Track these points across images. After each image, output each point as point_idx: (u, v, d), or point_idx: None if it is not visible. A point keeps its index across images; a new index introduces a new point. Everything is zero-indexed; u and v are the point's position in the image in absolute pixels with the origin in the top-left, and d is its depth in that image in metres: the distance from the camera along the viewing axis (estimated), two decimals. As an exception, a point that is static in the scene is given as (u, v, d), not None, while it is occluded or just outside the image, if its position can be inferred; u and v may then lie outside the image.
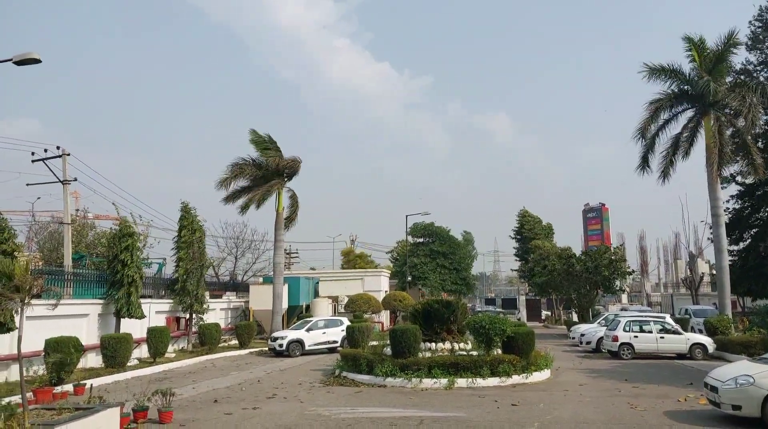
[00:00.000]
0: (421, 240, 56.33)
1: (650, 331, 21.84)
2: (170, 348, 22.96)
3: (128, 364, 19.05)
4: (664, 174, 28.76)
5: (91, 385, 13.87)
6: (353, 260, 54.73)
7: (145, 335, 21.23)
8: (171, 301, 25.59)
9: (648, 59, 28.24)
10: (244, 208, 31.09)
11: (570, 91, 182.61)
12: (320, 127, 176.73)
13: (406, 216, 48.74)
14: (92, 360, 19.44)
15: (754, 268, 30.77)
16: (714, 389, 10.59)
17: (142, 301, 23.30)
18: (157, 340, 20.75)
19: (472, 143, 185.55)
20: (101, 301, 20.74)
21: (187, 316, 25.98)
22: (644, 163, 29.01)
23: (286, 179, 31.33)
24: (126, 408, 10.78)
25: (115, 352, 18.17)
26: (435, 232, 55.70)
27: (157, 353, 20.83)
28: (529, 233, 59.69)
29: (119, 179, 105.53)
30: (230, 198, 30.56)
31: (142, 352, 21.85)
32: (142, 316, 21.42)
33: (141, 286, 21.67)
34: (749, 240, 32.70)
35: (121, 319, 20.71)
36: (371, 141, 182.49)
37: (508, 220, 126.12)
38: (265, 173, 30.46)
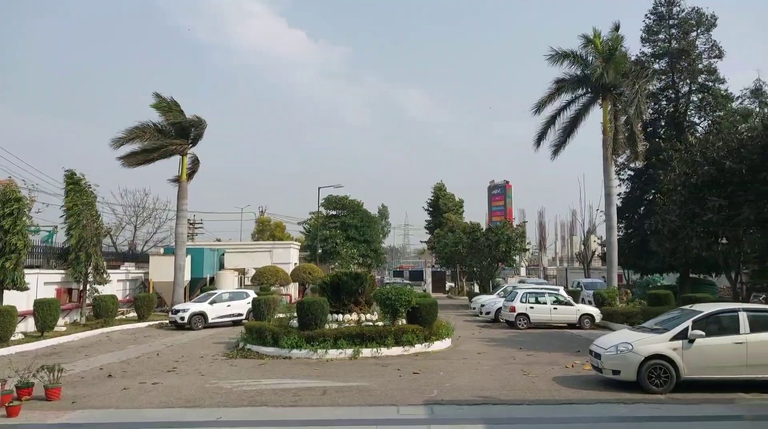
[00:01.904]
0: (334, 212, 56.21)
1: (545, 303, 23.15)
2: (61, 321, 21.62)
3: (12, 338, 17.77)
4: (557, 150, 30.71)
5: (-32, 361, 12.81)
6: (268, 229, 53.66)
7: (31, 308, 19.81)
8: (63, 271, 24.00)
9: (557, 44, 29.50)
10: (135, 164, 28.94)
11: (482, 70, 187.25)
12: (232, 93, 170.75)
13: (319, 188, 48.33)
14: (-30, 334, 17.92)
15: (639, 245, 33.31)
16: (597, 356, 11.41)
17: (30, 271, 21.66)
18: (45, 312, 19.41)
19: (389, 116, 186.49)
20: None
21: (81, 287, 24.50)
22: (540, 139, 30.88)
23: (190, 144, 29.98)
24: (8, 385, 10.04)
25: (-4, 325, 16.83)
26: (349, 205, 55.75)
27: (45, 327, 19.53)
28: (443, 207, 61.26)
29: (6, 141, 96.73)
30: (126, 158, 28.72)
31: (29, 325, 20.45)
32: (26, 288, 19.72)
33: (26, 255, 20.02)
34: (637, 219, 35.30)
35: (4, 291, 19.14)
36: (285, 110, 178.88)
37: (419, 195, 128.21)
38: (167, 137, 28.94)
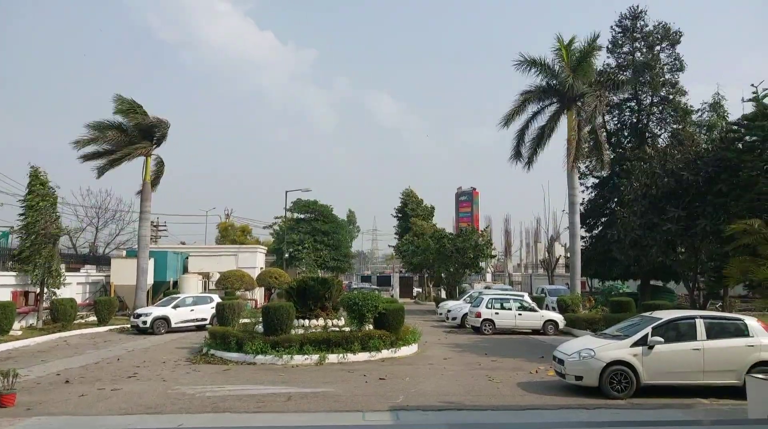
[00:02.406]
0: (302, 216, 55.85)
1: (510, 309, 23.41)
2: (17, 325, 20.93)
3: (-36, 342, 17.12)
4: (529, 162, 31.07)
5: None
6: (231, 235, 52.98)
7: (-15, 311, 19.13)
8: (17, 273, 23.22)
9: (522, 51, 29.93)
10: (102, 170, 28.64)
11: (451, 76, 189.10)
12: (198, 95, 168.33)
13: (286, 192, 47.94)
14: None
15: (602, 253, 33.93)
16: (561, 362, 11.60)
17: (-17, 273, 20.98)
18: (-1, 316, 18.79)
19: (357, 121, 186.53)
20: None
21: (37, 290, 23.74)
22: (517, 154, 31.23)
23: (154, 145, 29.47)
24: (-42, 391, 9.67)
25: (-54, 329, 16.20)
26: (317, 210, 55.45)
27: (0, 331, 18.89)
28: (412, 212, 61.44)
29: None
30: (89, 157, 28.11)
31: (-18, 329, 19.71)
32: None
33: None
34: (600, 227, 36.02)
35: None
36: (253, 112, 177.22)
37: (387, 200, 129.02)
38: (131, 139, 28.41)
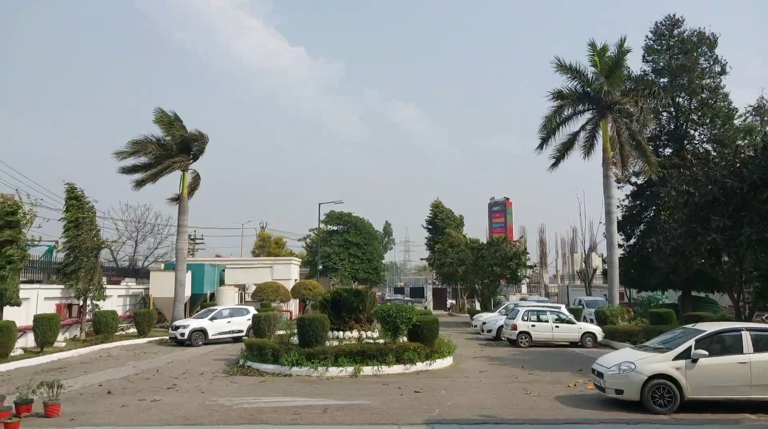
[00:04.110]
0: (335, 228, 56.23)
1: (547, 321, 23.02)
2: (61, 337, 21.54)
3: (11, 354, 17.69)
4: (554, 164, 30.98)
5: (-33, 377, 12.74)
6: (268, 246, 53.66)
7: (31, 323, 19.73)
8: (62, 286, 23.95)
9: (552, 59, 29.74)
10: (141, 184, 29.29)
11: (480, 86, 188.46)
12: (231, 111, 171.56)
13: (319, 204, 48.48)
14: (-31, 350, 17.85)
15: (640, 263, 33.18)
16: (600, 375, 11.34)
17: (29, 286, 21.70)
18: (45, 328, 19.34)
19: (386, 132, 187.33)
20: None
21: (81, 303, 24.43)
22: (542, 145, 31.13)
23: (191, 160, 30.12)
24: (7, 401, 10.00)
25: (-5, 341, 16.76)
26: (351, 222, 55.77)
27: (45, 342, 19.45)
28: (442, 223, 61.25)
29: (7, 155, 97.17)
30: (128, 170, 28.89)
31: (29, 341, 20.37)
32: (17, 303, 19.49)
33: (21, 268, 19.87)
34: (638, 236, 35.23)
35: (4, 307, 19.09)
36: (285, 127, 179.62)
37: (419, 211, 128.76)
38: (169, 153, 29.11)
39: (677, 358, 10.64)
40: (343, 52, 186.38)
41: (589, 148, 30.58)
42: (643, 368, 10.71)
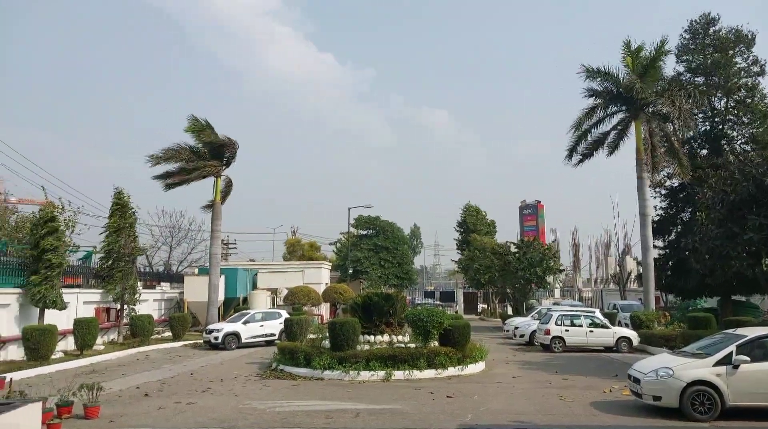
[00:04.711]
0: (365, 232, 56.38)
1: (580, 325, 22.66)
2: (99, 340, 22.05)
3: (53, 356, 18.17)
4: (580, 161, 31.15)
5: (11, 379, 13.11)
6: (298, 250, 54.12)
7: (71, 326, 20.28)
8: (100, 291, 24.56)
9: (585, 61, 29.63)
10: (171, 186, 29.70)
11: (509, 89, 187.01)
12: (262, 116, 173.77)
13: (349, 208, 48.74)
14: (13, 352, 18.45)
15: (676, 266, 32.43)
16: (637, 381, 11.11)
17: (70, 291, 22.27)
18: (84, 331, 19.86)
19: (415, 137, 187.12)
20: (21, 291, 19.54)
21: (118, 306, 25.02)
22: (572, 154, 30.91)
23: (224, 166, 30.59)
24: (49, 403, 10.28)
25: (38, 344, 17.27)
26: (380, 226, 55.87)
27: (84, 345, 19.96)
28: (473, 227, 60.84)
29: (49, 164, 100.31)
30: (161, 176, 29.44)
31: (69, 344, 20.92)
32: (63, 307, 20.12)
33: (60, 273, 20.43)
34: (674, 238, 34.45)
35: (46, 310, 19.68)
36: (314, 131, 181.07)
37: (449, 214, 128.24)
38: (202, 160, 29.62)
39: (717, 364, 10.36)
40: (372, 58, 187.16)
41: (613, 148, 30.34)
42: (681, 374, 10.45)
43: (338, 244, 61.24)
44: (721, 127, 33.63)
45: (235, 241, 61.89)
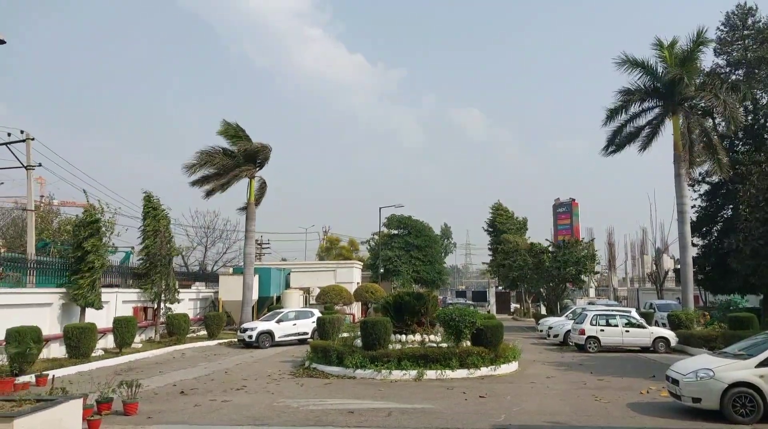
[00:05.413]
0: (396, 232, 56.43)
1: (616, 325, 22.23)
2: (137, 338, 22.57)
3: (93, 354, 18.67)
4: (613, 151, 30.72)
5: (53, 376, 13.58)
6: (335, 249, 54.56)
7: (111, 325, 20.83)
8: (138, 290, 25.16)
9: (618, 55, 29.07)
10: (210, 193, 30.36)
11: (541, 87, 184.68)
12: (294, 117, 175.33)
13: (380, 208, 48.84)
14: (55, 350, 19.00)
15: (716, 264, 31.56)
16: (675, 382, 10.85)
17: (109, 290, 22.88)
18: (123, 330, 20.36)
19: (446, 136, 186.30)
20: (64, 290, 20.19)
21: (155, 306, 25.59)
22: (608, 147, 30.46)
23: (257, 168, 30.97)
24: (90, 399, 10.56)
25: (78, 342, 17.76)
26: (412, 225, 55.83)
27: (123, 343, 20.47)
28: (503, 226, 60.23)
29: (88, 166, 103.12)
30: (198, 182, 30.00)
31: (108, 342, 21.46)
32: (100, 307, 20.71)
33: (100, 274, 21.03)
34: (714, 236, 33.54)
35: (86, 309, 20.27)
36: (345, 132, 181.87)
37: (480, 214, 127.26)
38: (236, 162, 30.05)
39: (760, 365, 10.04)
40: (403, 58, 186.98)
41: (647, 143, 29.71)
42: (722, 376, 10.16)
43: (371, 243, 61.42)
44: (763, 121, 32.59)
45: (269, 241, 62.64)
